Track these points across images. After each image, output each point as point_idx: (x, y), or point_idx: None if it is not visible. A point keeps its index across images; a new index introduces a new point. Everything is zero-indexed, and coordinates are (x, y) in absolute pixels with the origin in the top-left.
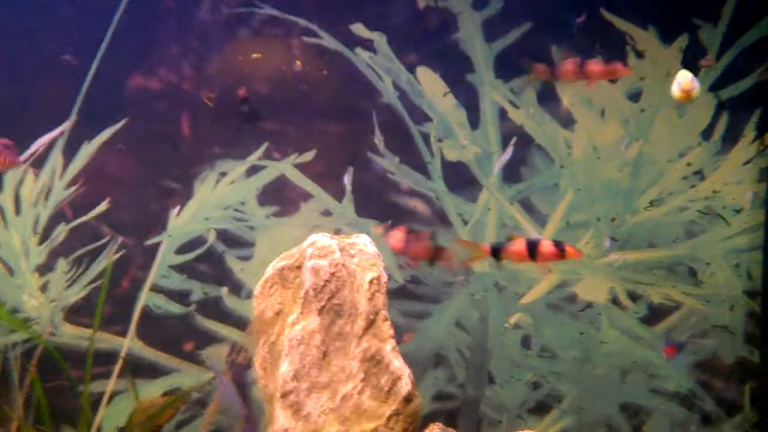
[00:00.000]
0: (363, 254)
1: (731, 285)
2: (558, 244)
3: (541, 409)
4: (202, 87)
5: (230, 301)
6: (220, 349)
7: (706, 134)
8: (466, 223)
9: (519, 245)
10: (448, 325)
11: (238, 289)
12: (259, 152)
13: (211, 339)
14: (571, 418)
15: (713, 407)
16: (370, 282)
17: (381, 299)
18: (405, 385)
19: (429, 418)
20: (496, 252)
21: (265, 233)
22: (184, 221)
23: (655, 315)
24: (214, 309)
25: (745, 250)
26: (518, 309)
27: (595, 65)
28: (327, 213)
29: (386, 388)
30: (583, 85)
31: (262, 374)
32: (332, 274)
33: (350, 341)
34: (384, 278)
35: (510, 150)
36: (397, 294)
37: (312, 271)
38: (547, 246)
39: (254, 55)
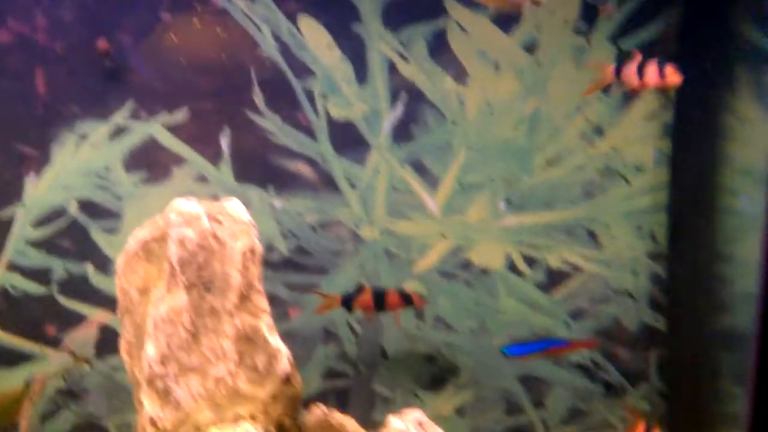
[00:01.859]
0: (234, 221)
1: (633, 248)
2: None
3: (436, 384)
4: (57, 38)
5: (97, 279)
6: (87, 332)
7: (606, 87)
8: (354, 187)
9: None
10: None
11: (105, 265)
12: (124, 111)
13: (77, 321)
14: (468, 392)
15: (617, 377)
16: (243, 253)
17: (255, 271)
18: (283, 365)
19: (319, 398)
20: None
21: (133, 203)
22: (42, 191)
23: (553, 281)
24: (78, 288)
25: (648, 211)
26: (411, 278)
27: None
28: (202, 179)
29: (263, 369)
30: (477, 36)
31: (128, 360)
32: (200, 245)
33: (222, 319)
34: (258, 248)
35: (400, 107)
36: (281, 266)
37: (177, 241)
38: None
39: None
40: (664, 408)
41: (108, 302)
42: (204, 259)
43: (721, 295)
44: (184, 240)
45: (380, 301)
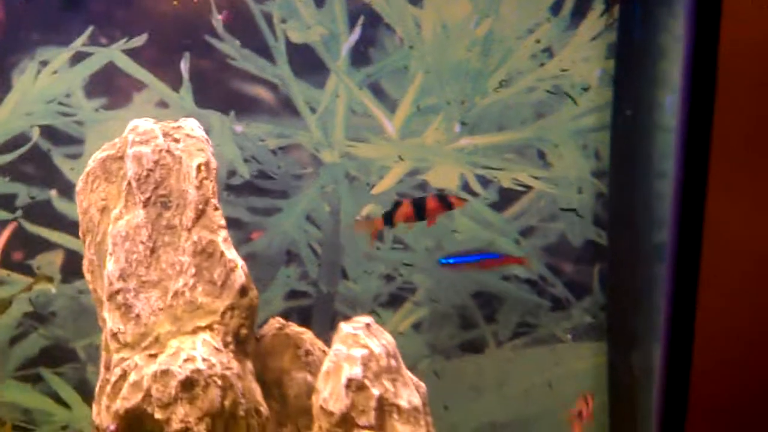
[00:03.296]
0: (189, 139)
1: (579, 166)
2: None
3: (394, 302)
4: None
5: (60, 205)
6: (54, 257)
7: (555, 9)
8: (314, 111)
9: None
10: (299, 220)
11: (68, 190)
12: (84, 37)
13: (43, 246)
14: (425, 309)
15: (563, 291)
16: (198, 168)
17: (210, 187)
18: (239, 278)
19: (282, 317)
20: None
21: (95, 128)
22: (4, 117)
23: (505, 200)
24: (43, 214)
25: (593, 130)
26: (370, 200)
27: None
28: (163, 104)
29: (219, 282)
30: None
31: (90, 278)
32: (156, 162)
33: (180, 234)
34: (213, 164)
35: (358, 30)
36: (243, 190)
37: (134, 159)
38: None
39: None
40: (604, 319)
41: (73, 227)
42: (160, 175)
43: (657, 211)
44: (140, 157)
45: (420, 209)
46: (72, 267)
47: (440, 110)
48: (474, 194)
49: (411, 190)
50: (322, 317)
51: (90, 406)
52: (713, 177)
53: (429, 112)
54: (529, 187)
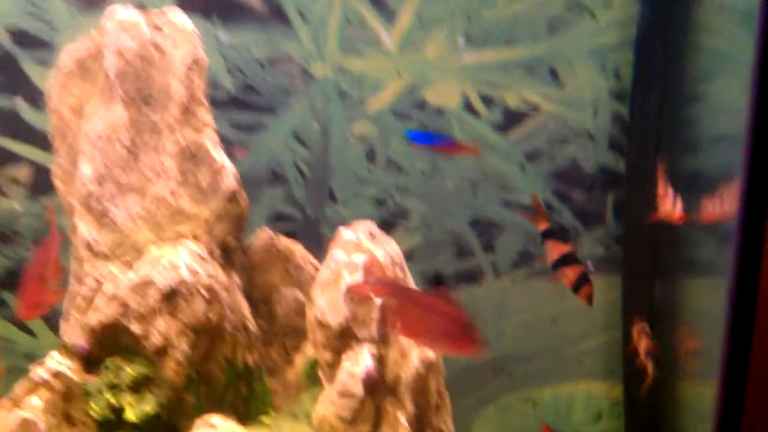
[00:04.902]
0: (176, 30)
1: (596, 87)
2: None
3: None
4: None
5: (28, 115)
6: (20, 171)
7: None
8: (305, 19)
9: None
10: (286, 138)
11: (37, 99)
12: None
13: (9, 159)
14: (418, 236)
15: (572, 220)
16: (185, 63)
17: (199, 83)
18: (228, 182)
19: None
20: None
21: (68, 33)
22: None
23: (510, 121)
24: (10, 124)
25: (614, 49)
26: (363, 118)
27: None
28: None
29: (206, 187)
30: None
31: (62, 187)
32: (139, 55)
33: (163, 135)
34: (202, 59)
35: None
36: (226, 104)
37: (114, 51)
38: None
39: None
40: (620, 251)
41: (41, 138)
42: (143, 69)
43: (690, 136)
44: (122, 50)
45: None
46: (39, 182)
47: (444, 22)
48: (476, 114)
49: (408, 108)
50: (308, 242)
51: (57, 333)
52: None
53: (431, 23)
54: (537, 108)
